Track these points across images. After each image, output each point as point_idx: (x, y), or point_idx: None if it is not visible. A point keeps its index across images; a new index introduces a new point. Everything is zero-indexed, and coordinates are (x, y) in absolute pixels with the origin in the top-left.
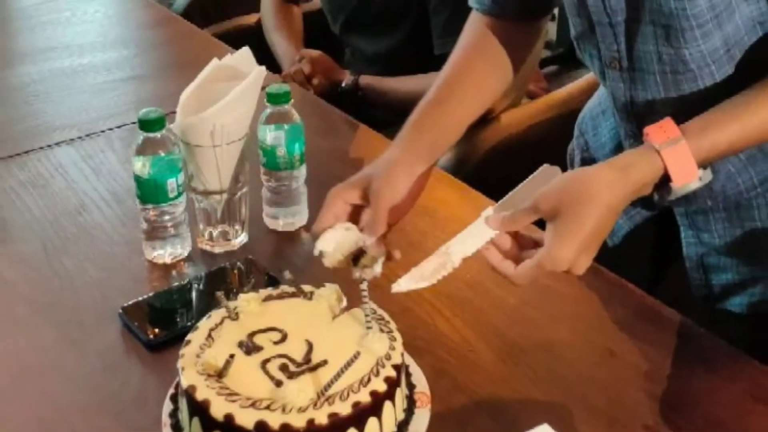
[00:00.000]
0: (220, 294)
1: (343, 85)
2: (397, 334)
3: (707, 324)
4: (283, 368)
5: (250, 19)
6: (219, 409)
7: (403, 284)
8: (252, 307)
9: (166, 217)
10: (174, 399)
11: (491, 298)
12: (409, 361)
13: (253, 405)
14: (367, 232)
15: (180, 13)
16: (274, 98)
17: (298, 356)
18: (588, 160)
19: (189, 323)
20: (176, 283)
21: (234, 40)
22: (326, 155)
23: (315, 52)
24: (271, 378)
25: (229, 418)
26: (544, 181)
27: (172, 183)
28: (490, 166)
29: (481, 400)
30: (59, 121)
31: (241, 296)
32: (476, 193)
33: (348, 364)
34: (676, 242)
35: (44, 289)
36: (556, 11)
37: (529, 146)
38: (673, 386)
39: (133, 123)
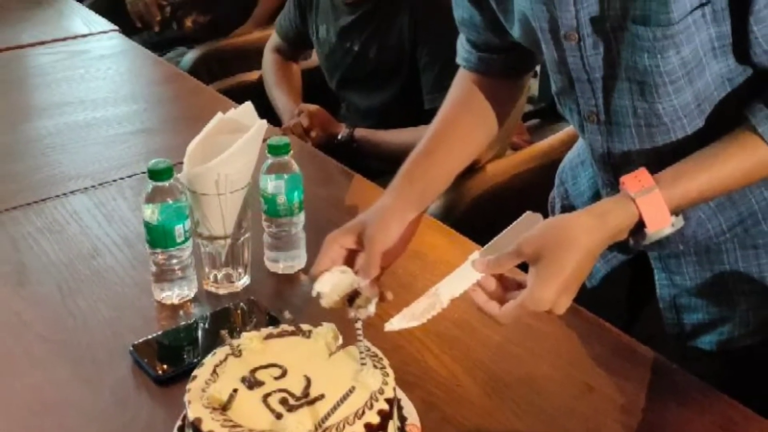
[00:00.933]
0: (224, 332)
1: (339, 137)
2: (389, 370)
3: (679, 360)
4: (283, 402)
5: (252, 75)
6: None
7: (395, 323)
8: (254, 345)
9: (174, 261)
10: (181, 431)
11: (477, 336)
12: (401, 395)
13: None
14: (362, 274)
15: (187, 70)
16: (275, 150)
17: (297, 391)
18: (568, 208)
19: (195, 360)
20: (183, 323)
21: (237, 95)
22: (323, 203)
23: (313, 107)
24: (272, 411)
25: None
26: (527, 227)
27: (179, 229)
28: (477, 213)
29: None
30: (74, 171)
31: (244, 335)
32: (463, 238)
33: (344, 398)
34: (650, 284)
35: (60, 328)
36: (538, 68)
37: (513, 194)
38: (648, 419)
39: (143, 173)
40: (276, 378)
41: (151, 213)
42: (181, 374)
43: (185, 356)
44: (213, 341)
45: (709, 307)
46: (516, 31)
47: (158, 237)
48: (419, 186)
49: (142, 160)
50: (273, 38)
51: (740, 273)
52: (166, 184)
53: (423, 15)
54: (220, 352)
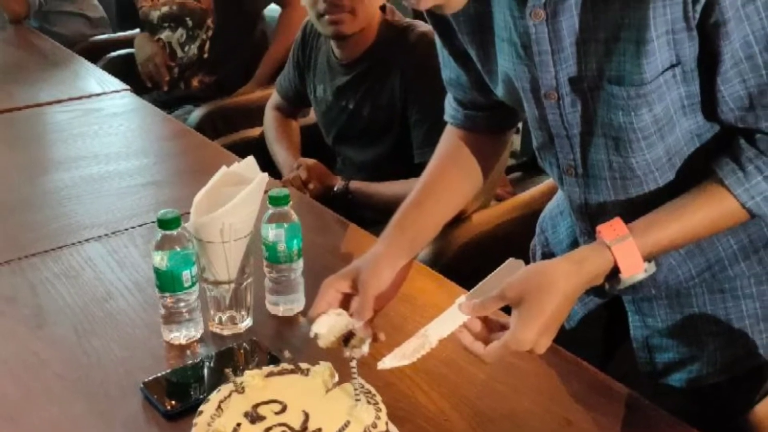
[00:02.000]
0: (228, 371)
1: (335, 189)
2: (382, 406)
3: (651, 397)
4: None
5: (255, 132)
6: None
7: (387, 362)
8: (256, 382)
9: (182, 304)
10: None
11: (464, 374)
12: (393, 429)
13: None
14: (356, 316)
15: (193, 127)
16: (275, 201)
17: (296, 425)
18: (548, 255)
19: (201, 396)
20: (190, 361)
21: (240, 150)
22: (321, 250)
23: (311, 161)
24: None
25: None
26: (510, 273)
27: (186, 274)
28: (463, 259)
29: None
30: (88, 220)
31: (247, 373)
32: (451, 283)
33: None
34: (624, 325)
35: (75, 367)
36: (520, 125)
37: (497, 242)
38: None
39: (153, 222)
40: (276, 413)
41: (160, 259)
42: (189, 409)
43: (192, 393)
44: (218, 379)
45: (679, 347)
46: (500, 91)
47: (167, 282)
48: (409, 234)
49: (152, 211)
50: (274, 97)
51: (708, 315)
52: (174, 232)
53: (413, 76)
54: (225, 388)
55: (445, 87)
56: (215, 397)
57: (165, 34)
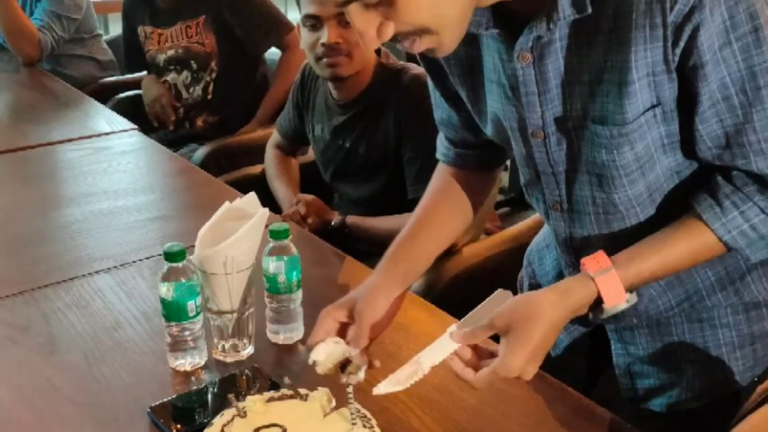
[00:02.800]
0: (231, 396)
1: (333, 223)
2: (377, 430)
3: (633, 421)
4: None
5: (256, 169)
6: None
7: (382, 388)
8: (257, 407)
9: (187, 333)
10: None
11: (455, 399)
12: None
13: None
14: (353, 344)
15: (198, 164)
16: (276, 234)
17: None
18: (535, 286)
19: (206, 420)
20: (195, 387)
21: (242, 186)
22: (319, 281)
23: (309, 197)
24: None
25: None
26: (499, 303)
27: (191, 304)
28: (454, 290)
29: None
30: (98, 253)
31: (249, 398)
32: (442, 312)
33: None
34: (607, 353)
35: (86, 392)
36: (508, 162)
37: (486, 274)
38: None
39: (159, 255)
40: None
41: (166, 290)
42: None
43: (197, 417)
44: (221, 404)
45: (659, 374)
46: (489, 130)
47: (173, 312)
48: (403, 266)
49: (159, 244)
50: (274, 136)
51: (687, 344)
52: (180, 264)
53: (407, 116)
54: (228, 413)
55: (437, 126)
56: (219, 421)
57: (171, 76)
